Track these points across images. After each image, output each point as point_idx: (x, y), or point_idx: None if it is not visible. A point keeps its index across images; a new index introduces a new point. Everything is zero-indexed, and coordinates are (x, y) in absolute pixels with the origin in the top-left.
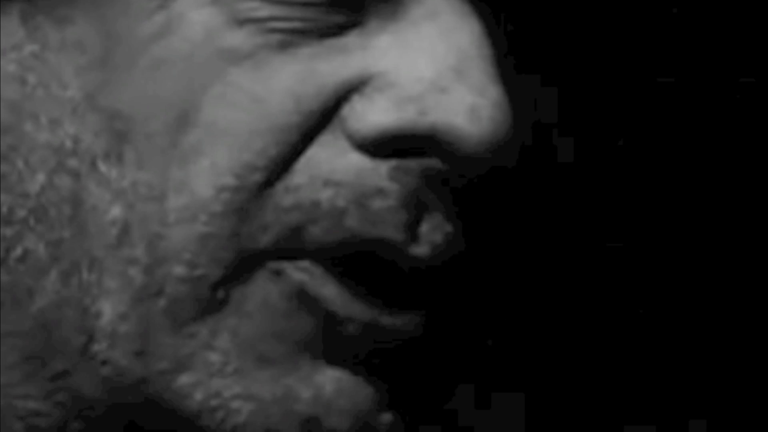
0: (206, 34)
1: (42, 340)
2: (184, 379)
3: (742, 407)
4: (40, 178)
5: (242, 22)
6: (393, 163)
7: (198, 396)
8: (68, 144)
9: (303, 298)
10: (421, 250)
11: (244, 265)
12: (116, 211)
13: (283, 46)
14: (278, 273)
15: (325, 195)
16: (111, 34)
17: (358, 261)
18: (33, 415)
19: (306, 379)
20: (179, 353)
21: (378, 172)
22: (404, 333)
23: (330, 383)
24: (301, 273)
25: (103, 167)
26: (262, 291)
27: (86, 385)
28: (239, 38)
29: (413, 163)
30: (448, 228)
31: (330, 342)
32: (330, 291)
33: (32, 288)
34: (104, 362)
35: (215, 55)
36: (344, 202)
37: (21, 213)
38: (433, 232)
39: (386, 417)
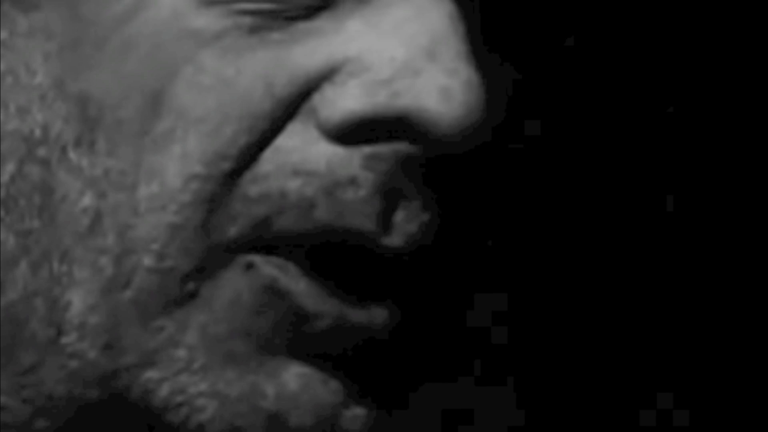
0: (174, 15)
1: (12, 334)
2: (150, 374)
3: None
4: (10, 167)
5: (210, 2)
6: (366, 150)
7: (163, 392)
8: (37, 132)
9: (273, 292)
10: (394, 240)
11: (213, 257)
12: (87, 200)
13: (253, 30)
14: (249, 267)
15: (294, 184)
16: (79, 17)
17: (329, 252)
18: (2, 411)
19: (271, 375)
20: (146, 347)
21: (351, 160)
22: (373, 330)
23: (294, 380)
24: (272, 267)
25: (73, 155)
26: (232, 286)
27: (54, 379)
28: (207, 19)
29: (387, 150)
30: (424, 217)
31: (297, 338)
32: (300, 286)
33: (2, 280)
34: (72, 355)
35: (184, 36)
36: (313, 191)
37: None
38: (408, 222)
39: (352, 412)
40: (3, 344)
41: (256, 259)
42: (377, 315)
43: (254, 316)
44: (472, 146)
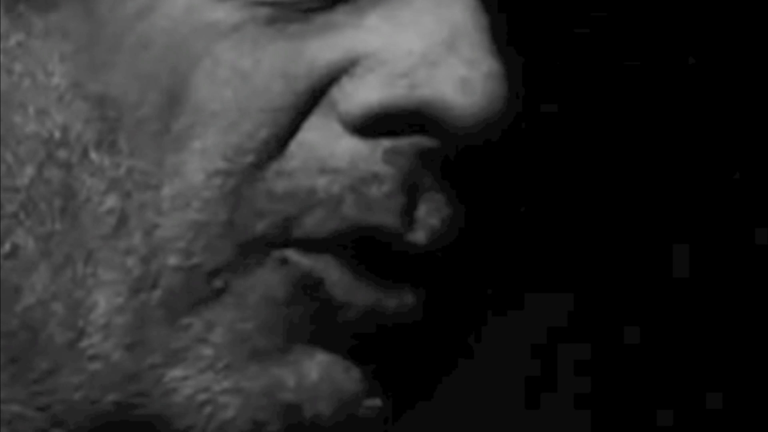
0: (190, 8)
1: (27, 340)
2: (174, 373)
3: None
4: (29, 170)
5: None
6: (387, 144)
7: (186, 391)
8: (57, 134)
9: (306, 284)
10: (418, 235)
11: (241, 253)
12: (112, 201)
13: (271, 21)
14: (284, 262)
15: (321, 182)
16: (94, 16)
17: (357, 246)
18: (17, 419)
19: (293, 365)
20: (172, 346)
21: (372, 155)
22: (404, 316)
23: (316, 369)
24: (308, 260)
25: (95, 156)
26: (265, 282)
27: (71, 385)
28: (224, 12)
29: (407, 143)
30: (447, 211)
31: (324, 327)
32: (334, 275)
33: (20, 285)
34: (93, 358)
35: (200, 30)
36: (340, 189)
37: (10, 208)
38: (431, 216)
39: (372, 402)
40: (18, 351)
41: (291, 253)
42: (408, 298)
43: (285, 311)
44: (492, 138)
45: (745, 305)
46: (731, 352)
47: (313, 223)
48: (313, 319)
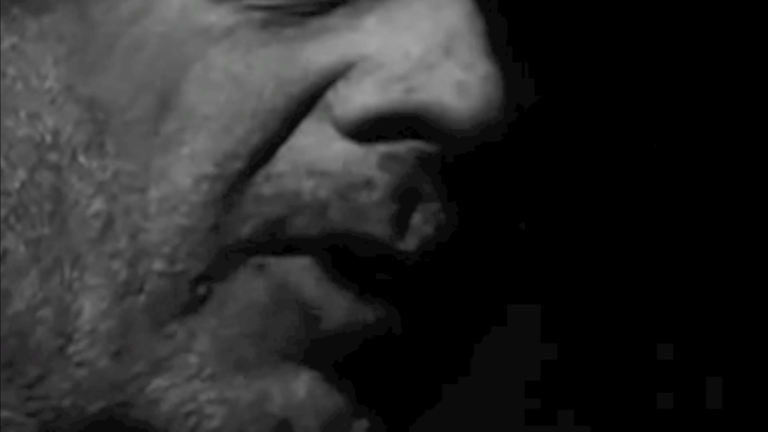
0: (183, 12)
1: (18, 345)
2: (158, 383)
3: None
4: (21, 174)
5: None
6: (383, 149)
7: (171, 401)
8: (48, 138)
9: (285, 293)
10: (409, 243)
11: (226, 260)
12: (98, 204)
13: (265, 25)
14: (261, 268)
15: (308, 185)
16: (88, 19)
17: (343, 252)
18: (7, 425)
19: (281, 381)
20: (156, 354)
21: (367, 161)
22: (385, 330)
23: (303, 386)
24: (285, 267)
25: (84, 159)
26: (245, 288)
27: (60, 391)
28: (217, 15)
29: (404, 148)
30: (441, 217)
31: (309, 341)
32: (311, 284)
33: (10, 290)
34: (80, 364)
35: (193, 33)
36: (327, 193)
37: (2, 212)
38: (424, 224)
39: (361, 422)
40: (7, 357)
41: (269, 260)
42: (390, 314)
43: (267, 319)
44: (489, 142)
45: (745, 305)
46: (731, 352)
47: (296, 227)
48: (296, 332)
